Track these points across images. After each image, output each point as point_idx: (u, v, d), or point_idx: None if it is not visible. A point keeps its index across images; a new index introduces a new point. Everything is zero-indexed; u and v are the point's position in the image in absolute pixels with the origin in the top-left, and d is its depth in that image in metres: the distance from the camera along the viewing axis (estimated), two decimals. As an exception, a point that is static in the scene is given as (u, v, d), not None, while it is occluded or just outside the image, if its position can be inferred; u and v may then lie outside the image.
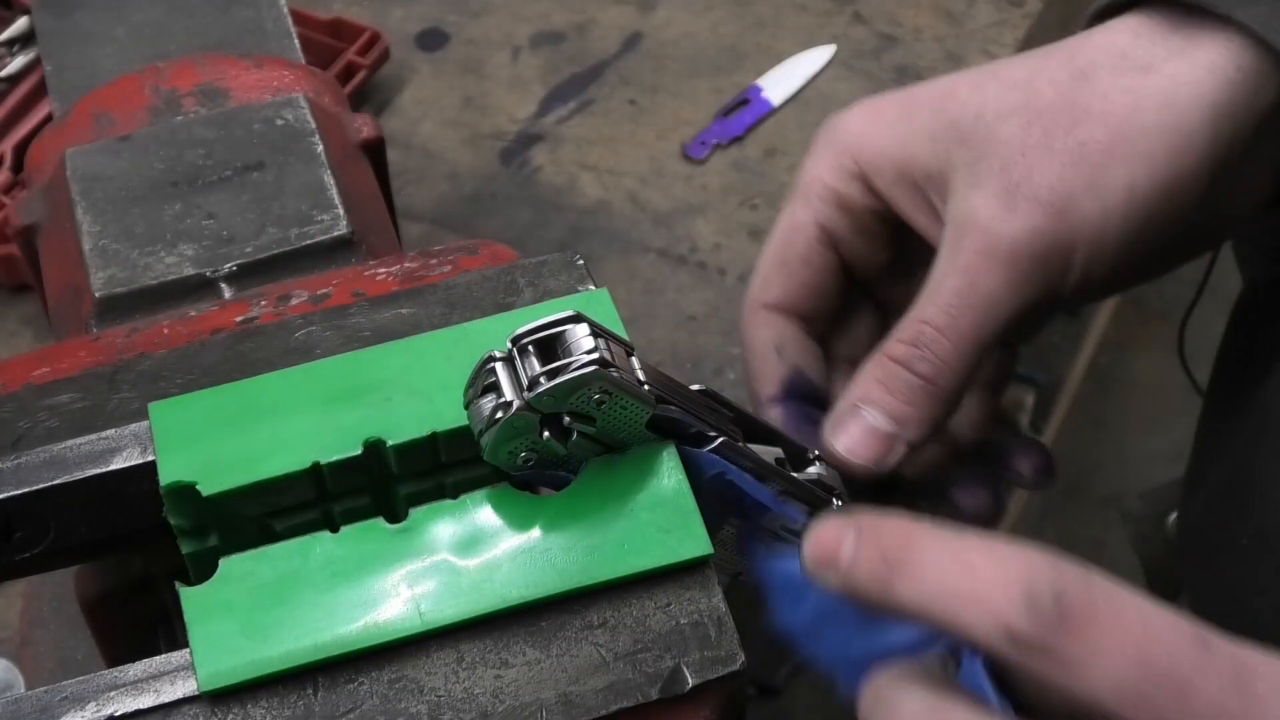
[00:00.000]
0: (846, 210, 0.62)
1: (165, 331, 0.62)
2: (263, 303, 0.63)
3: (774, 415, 0.63)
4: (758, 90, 1.14)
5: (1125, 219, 0.57)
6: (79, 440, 0.56)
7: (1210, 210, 0.59)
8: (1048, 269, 0.56)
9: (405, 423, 0.55)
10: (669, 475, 0.53)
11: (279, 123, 0.73)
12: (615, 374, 0.51)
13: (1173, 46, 0.58)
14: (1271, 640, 0.44)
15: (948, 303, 0.56)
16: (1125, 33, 0.60)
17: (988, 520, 0.64)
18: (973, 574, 0.43)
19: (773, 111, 1.13)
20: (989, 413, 0.64)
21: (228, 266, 0.67)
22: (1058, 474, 0.65)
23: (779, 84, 1.15)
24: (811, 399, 0.63)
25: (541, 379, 0.50)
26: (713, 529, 0.54)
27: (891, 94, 0.62)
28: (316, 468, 0.54)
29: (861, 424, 0.58)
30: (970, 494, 0.64)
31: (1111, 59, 0.59)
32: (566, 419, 0.51)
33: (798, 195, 0.63)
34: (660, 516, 0.53)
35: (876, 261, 0.63)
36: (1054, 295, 0.57)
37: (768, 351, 0.63)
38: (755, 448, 0.59)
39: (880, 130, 0.61)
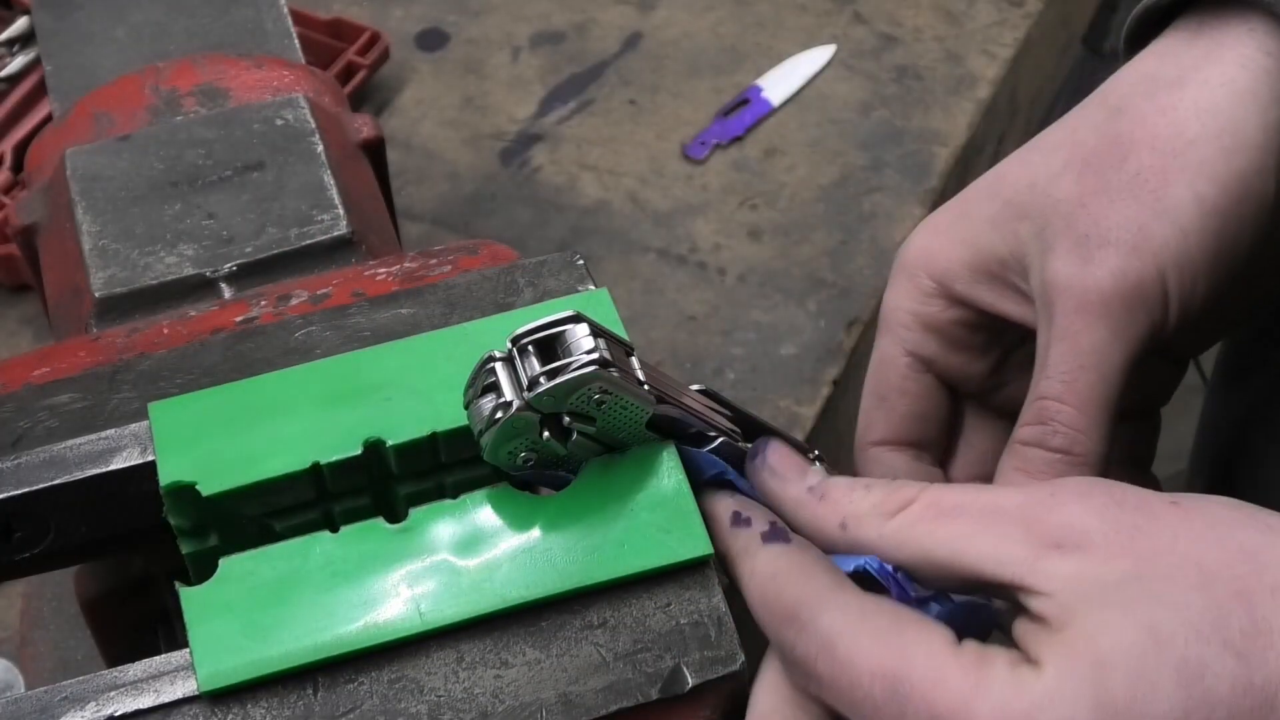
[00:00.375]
0: (933, 330, 0.61)
1: (165, 331, 0.62)
2: (263, 303, 0.63)
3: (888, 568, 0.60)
4: (758, 90, 1.14)
5: (1203, 231, 0.55)
6: (79, 440, 0.56)
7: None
8: (1145, 306, 0.55)
9: (405, 423, 0.55)
10: (669, 475, 0.53)
11: (279, 123, 0.73)
12: (615, 374, 0.51)
13: (1198, 55, 0.58)
14: None
15: (1059, 371, 0.55)
16: (1150, 58, 0.59)
17: None
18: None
19: (773, 111, 1.13)
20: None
21: (228, 266, 0.67)
22: None
23: (779, 84, 1.15)
24: None
25: (541, 379, 0.50)
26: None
27: (945, 205, 0.61)
28: (316, 468, 0.54)
29: None
30: None
31: (1143, 86, 0.58)
32: (566, 419, 0.51)
33: (882, 329, 0.62)
34: (660, 516, 0.53)
35: (979, 371, 0.62)
36: (1159, 334, 0.56)
37: None
38: (755, 448, 0.59)
39: (943, 239, 0.60)
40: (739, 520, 0.52)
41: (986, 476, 0.60)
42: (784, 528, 0.51)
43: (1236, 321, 0.64)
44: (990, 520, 0.47)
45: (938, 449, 0.63)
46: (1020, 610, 0.47)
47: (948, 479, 0.63)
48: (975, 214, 0.59)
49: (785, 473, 0.53)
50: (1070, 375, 0.55)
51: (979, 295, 0.59)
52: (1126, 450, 0.61)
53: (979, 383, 0.62)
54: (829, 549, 0.51)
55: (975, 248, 0.59)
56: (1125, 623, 0.44)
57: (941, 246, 0.60)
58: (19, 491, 0.55)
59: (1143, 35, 0.61)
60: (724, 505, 0.53)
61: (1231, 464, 0.70)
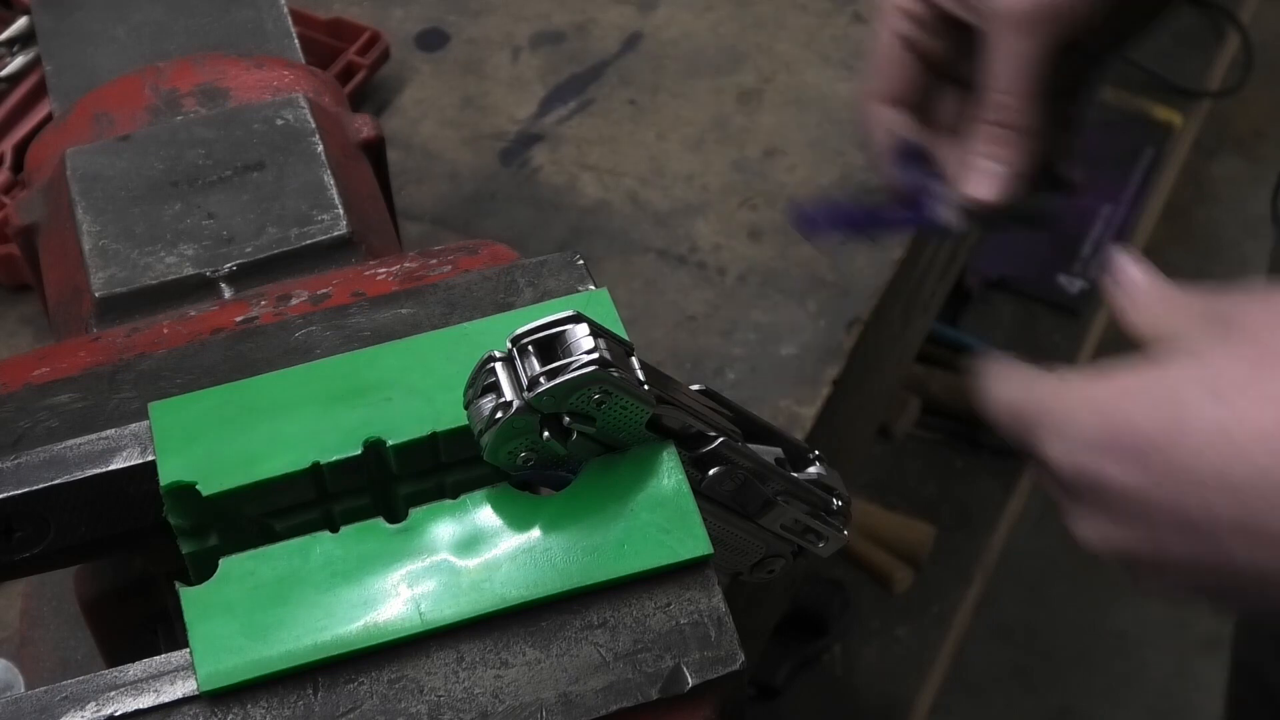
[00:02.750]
0: (914, 20, 0.82)
1: (165, 331, 0.62)
2: (263, 303, 0.63)
3: (895, 175, 0.83)
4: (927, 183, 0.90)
5: None
6: (79, 440, 0.56)
7: None
8: (1059, 21, 0.74)
9: (405, 423, 0.55)
10: (669, 475, 0.53)
11: (279, 123, 0.73)
12: (615, 374, 0.51)
13: None
14: None
15: (1000, 71, 0.76)
16: None
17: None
18: None
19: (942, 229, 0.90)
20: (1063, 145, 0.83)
21: (228, 266, 0.67)
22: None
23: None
24: (921, 159, 0.83)
25: (541, 379, 0.50)
26: (712, 528, 0.54)
27: None
28: (316, 468, 0.54)
29: (983, 172, 0.79)
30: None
31: None
32: (566, 419, 0.51)
33: (880, 16, 0.83)
34: (660, 516, 0.53)
35: (946, 52, 0.82)
36: (1085, 37, 0.75)
37: (879, 130, 0.83)
38: (755, 448, 0.60)
39: None
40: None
41: (955, 129, 0.82)
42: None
43: (1136, 25, 0.82)
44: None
45: (916, 108, 0.83)
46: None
47: (927, 128, 0.83)
48: None
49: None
50: (1009, 75, 0.76)
51: (943, 1, 0.81)
52: (1059, 120, 0.81)
53: (945, 60, 0.82)
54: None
55: None
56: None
57: None
58: (19, 491, 0.55)
59: None
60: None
61: None
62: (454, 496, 0.54)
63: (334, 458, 0.54)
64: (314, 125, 0.73)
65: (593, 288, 0.61)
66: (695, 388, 0.57)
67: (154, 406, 0.56)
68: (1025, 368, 0.65)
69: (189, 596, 0.51)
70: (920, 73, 0.84)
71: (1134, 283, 0.67)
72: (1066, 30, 0.76)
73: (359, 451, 0.54)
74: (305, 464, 0.54)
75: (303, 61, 0.83)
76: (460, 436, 0.54)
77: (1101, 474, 0.58)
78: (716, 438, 0.56)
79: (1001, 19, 0.76)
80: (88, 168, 0.71)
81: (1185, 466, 0.55)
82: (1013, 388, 0.64)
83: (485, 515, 0.53)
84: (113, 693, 0.50)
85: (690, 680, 0.51)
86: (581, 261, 0.62)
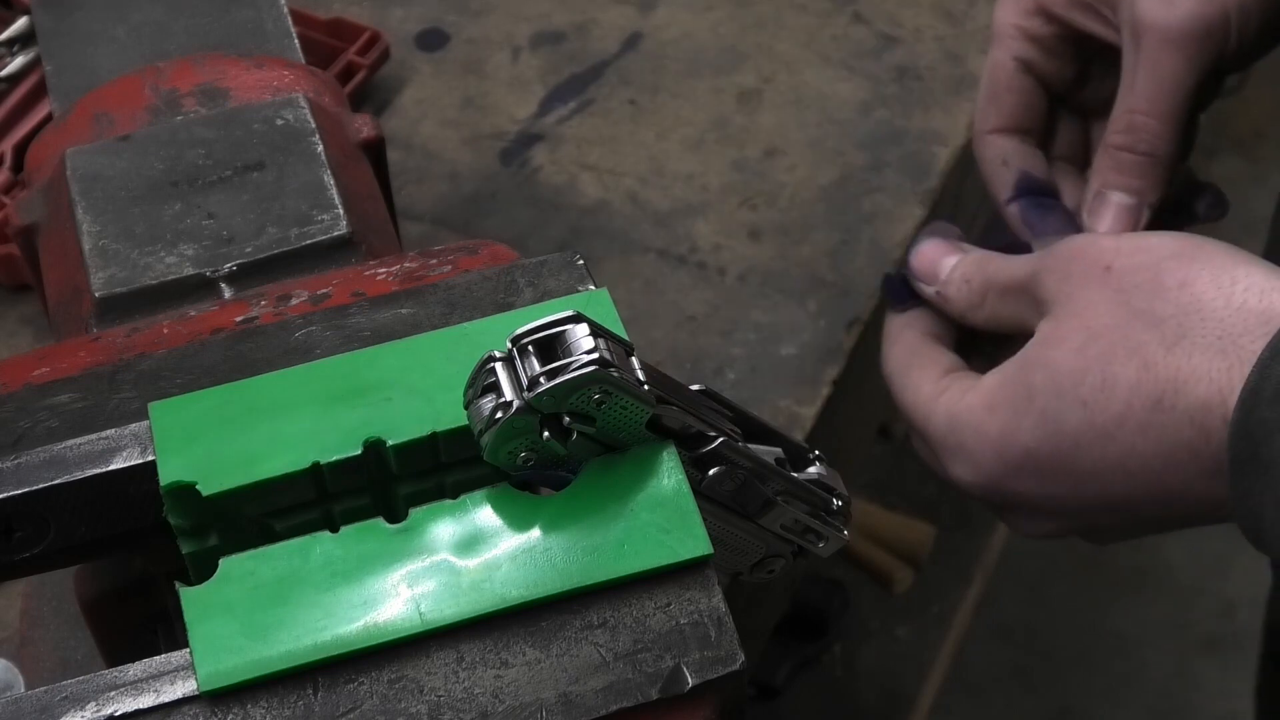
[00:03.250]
0: (1034, 41, 0.78)
1: (165, 331, 0.62)
2: (263, 303, 0.63)
3: (1012, 212, 0.79)
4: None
5: None
6: (79, 440, 0.56)
7: None
8: (1213, 42, 0.71)
9: (405, 423, 0.55)
10: (669, 475, 0.53)
11: (279, 123, 0.73)
12: (615, 374, 0.51)
13: None
14: None
15: (1145, 92, 0.72)
16: None
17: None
18: None
19: None
20: (1182, 170, 0.80)
21: (228, 266, 0.67)
22: (1228, 205, 0.82)
23: None
24: (1041, 192, 0.80)
25: (541, 379, 0.50)
26: (712, 528, 0.54)
27: None
28: (316, 468, 0.54)
29: (1112, 206, 0.76)
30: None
31: None
32: (566, 419, 0.51)
33: (994, 40, 0.80)
34: (660, 516, 0.53)
35: (1069, 76, 0.80)
36: (1221, 62, 0.73)
37: (997, 165, 0.80)
38: (755, 448, 0.60)
39: None
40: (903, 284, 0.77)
41: (1074, 160, 0.81)
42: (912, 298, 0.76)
43: (1267, 47, 0.77)
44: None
45: (1037, 136, 0.80)
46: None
47: (1047, 161, 0.81)
48: None
49: (924, 275, 0.75)
50: (1154, 95, 0.72)
51: (1072, 16, 0.77)
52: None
53: (1067, 84, 0.79)
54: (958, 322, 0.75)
55: None
56: (1017, 377, 0.66)
57: None
58: (19, 491, 0.55)
59: None
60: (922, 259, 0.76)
61: None
62: (454, 496, 0.54)
63: (334, 458, 0.54)
64: (314, 125, 0.73)
65: (593, 288, 0.61)
66: (695, 388, 0.57)
67: (154, 406, 0.56)
68: (917, 375, 0.72)
69: (189, 596, 0.51)
70: (1040, 99, 0.80)
71: (935, 276, 0.73)
72: (1220, 48, 0.72)
73: (359, 451, 0.54)
74: (305, 464, 0.54)
75: (303, 61, 0.83)
76: (460, 436, 0.54)
77: (1014, 492, 0.67)
78: (716, 438, 0.56)
79: (1154, 34, 0.71)
80: (88, 168, 0.71)
81: (1078, 469, 0.64)
82: (910, 409, 0.72)
83: (485, 515, 0.53)
84: (113, 693, 0.50)
85: (690, 680, 0.51)
86: (581, 261, 0.62)
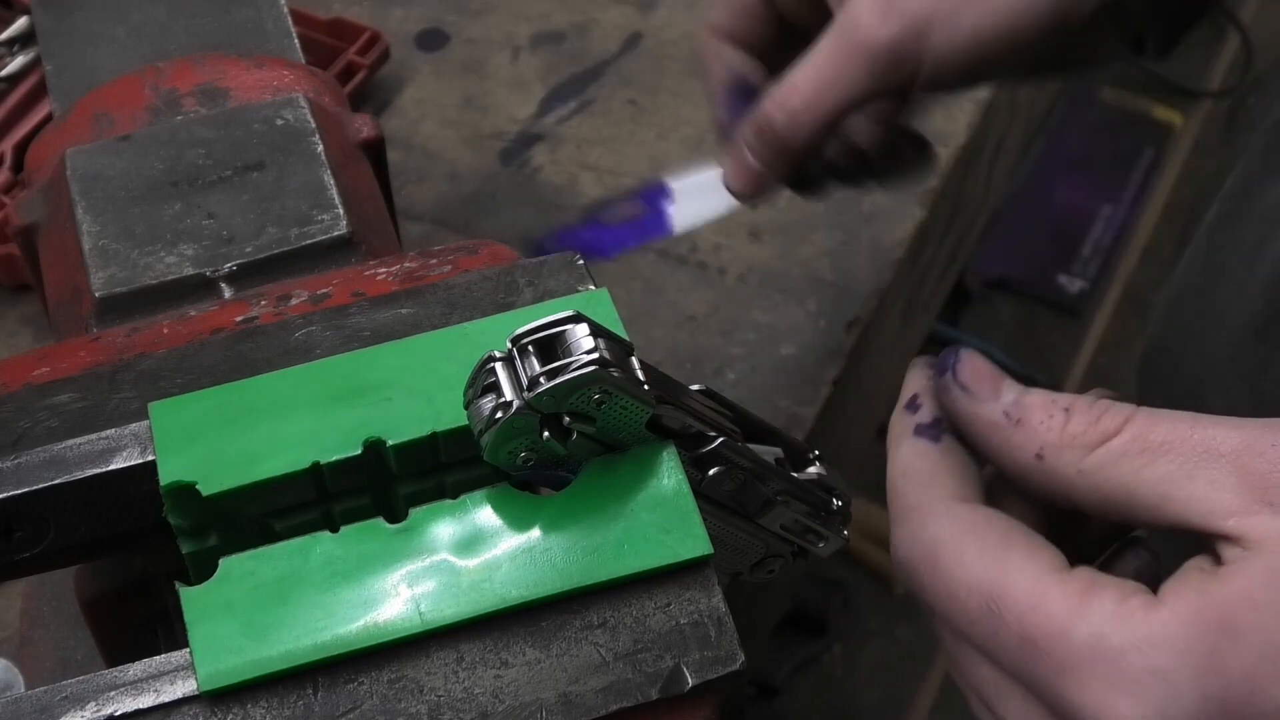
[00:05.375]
0: None
1: (165, 331, 0.62)
2: (263, 303, 0.63)
3: (722, 112, 0.78)
4: (662, 194, 0.84)
5: (967, 56, 0.68)
6: (79, 440, 0.56)
7: (1056, 55, 0.71)
8: (899, 72, 0.69)
9: (405, 423, 0.55)
10: (669, 475, 0.53)
11: (279, 123, 0.73)
12: (615, 374, 0.51)
13: None
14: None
15: (817, 78, 0.70)
16: None
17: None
18: None
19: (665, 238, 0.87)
20: (884, 129, 0.78)
21: (228, 266, 0.67)
22: (936, 158, 0.85)
23: (693, 200, 0.84)
24: (752, 97, 0.78)
25: (541, 379, 0.50)
26: (712, 529, 0.54)
27: None
28: (316, 468, 0.54)
29: (739, 161, 0.74)
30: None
31: None
32: (566, 419, 0.51)
33: None
34: (660, 516, 0.53)
35: (799, 9, 0.77)
36: (899, 90, 0.70)
37: (718, 62, 0.78)
38: (755, 448, 0.60)
39: None
40: (913, 404, 0.52)
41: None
42: (940, 427, 0.51)
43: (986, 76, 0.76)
44: (1202, 463, 0.45)
45: (763, 55, 0.78)
46: (1207, 552, 0.45)
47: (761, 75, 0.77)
48: None
49: (979, 390, 0.50)
50: (822, 86, 0.69)
51: None
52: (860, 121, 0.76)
53: (795, 15, 0.77)
54: (1021, 479, 0.49)
55: None
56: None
57: None
58: (19, 491, 0.55)
59: None
60: (914, 382, 0.53)
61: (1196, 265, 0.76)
62: (454, 496, 0.54)
63: (334, 458, 0.54)
64: (314, 125, 0.73)
65: (593, 288, 0.61)
66: (695, 388, 0.57)
67: (154, 406, 0.56)
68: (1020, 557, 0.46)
69: (189, 596, 0.51)
70: (770, 21, 0.78)
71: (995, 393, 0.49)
72: (910, 76, 0.69)
73: (359, 451, 0.54)
74: (305, 464, 0.54)
75: (303, 61, 0.83)
76: (460, 436, 0.54)
77: None
78: (716, 438, 0.56)
79: (855, 37, 0.69)
80: (88, 168, 0.71)
81: None
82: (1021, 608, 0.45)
83: (485, 515, 0.53)
84: (113, 693, 0.50)
85: (690, 680, 0.51)
86: (581, 261, 0.62)
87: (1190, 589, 0.44)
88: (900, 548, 0.49)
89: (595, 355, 0.50)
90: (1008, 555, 0.46)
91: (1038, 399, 0.49)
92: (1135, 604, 0.43)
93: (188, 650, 0.50)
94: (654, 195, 0.79)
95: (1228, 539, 0.44)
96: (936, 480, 0.49)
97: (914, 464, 0.50)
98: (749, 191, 0.75)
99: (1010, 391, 0.50)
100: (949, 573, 0.47)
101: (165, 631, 0.61)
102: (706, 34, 0.79)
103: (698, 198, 0.79)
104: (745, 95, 0.78)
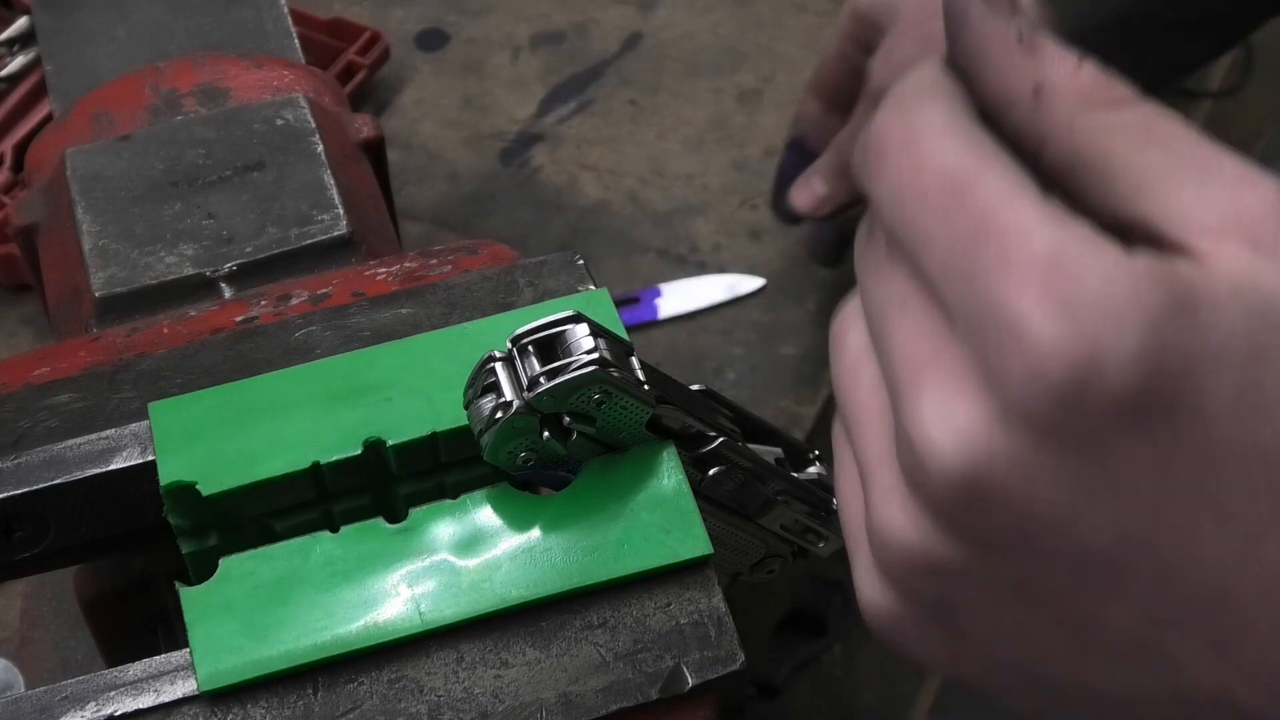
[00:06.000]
0: (855, 38, 0.90)
1: (165, 331, 0.62)
2: (263, 303, 0.63)
3: (781, 158, 0.98)
4: (654, 295, 1.03)
5: None
6: (79, 440, 0.56)
7: None
8: None
9: (405, 423, 0.55)
10: (669, 475, 0.53)
11: (279, 123, 0.73)
12: (615, 374, 0.51)
13: None
14: None
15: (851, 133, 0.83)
16: None
17: None
18: None
19: (656, 323, 1.01)
20: None
21: (228, 266, 0.67)
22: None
23: (678, 296, 1.03)
24: (811, 157, 0.94)
25: (541, 379, 0.50)
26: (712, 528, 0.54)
27: None
28: (316, 468, 0.54)
29: (808, 188, 0.91)
30: None
31: None
32: (566, 419, 0.51)
33: (840, 20, 0.91)
34: (660, 516, 0.52)
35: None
36: None
37: (799, 117, 0.95)
38: (755, 448, 0.60)
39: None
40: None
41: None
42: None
43: None
44: (1200, 172, 0.41)
45: (844, 111, 0.91)
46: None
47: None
48: None
49: (999, 3, 0.43)
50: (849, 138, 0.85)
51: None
52: None
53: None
54: (1004, 111, 0.43)
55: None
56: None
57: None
58: (19, 491, 0.55)
59: None
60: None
61: None
62: (454, 496, 0.54)
63: (334, 458, 0.54)
64: (314, 125, 0.73)
65: (593, 288, 0.61)
66: (695, 388, 0.57)
67: (154, 406, 0.56)
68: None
69: (189, 596, 0.51)
70: (851, 83, 0.90)
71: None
72: None
73: (359, 451, 0.54)
74: (305, 464, 0.54)
75: (303, 61, 0.83)
76: (460, 436, 0.54)
77: None
78: (716, 438, 0.56)
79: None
80: (88, 168, 0.71)
81: None
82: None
83: (485, 515, 0.53)
84: (113, 693, 0.50)
85: (690, 680, 0.51)
86: (581, 261, 0.62)
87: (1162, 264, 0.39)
88: (876, 128, 0.42)
89: (595, 355, 0.50)
90: (996, 158, 0.40)
91: (1056, 42, 0.43)
92: (1109, 244, 0.39)
93: (188, 650, 0.50)
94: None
95: (1192, 257, 0.39)
96: (940, 86, 0.43)
97: (922, 74, 0.43)
98: (811, 210, 0.90)
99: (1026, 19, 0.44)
100: (924, 151, 0.41)
101: (165, 631, 0.61)
102: (806, 87, 0.94)
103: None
104: (801, 151, 0.95)
